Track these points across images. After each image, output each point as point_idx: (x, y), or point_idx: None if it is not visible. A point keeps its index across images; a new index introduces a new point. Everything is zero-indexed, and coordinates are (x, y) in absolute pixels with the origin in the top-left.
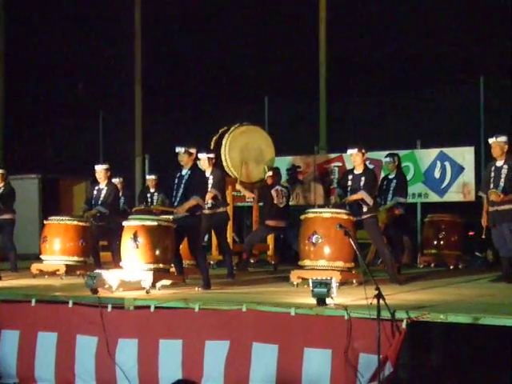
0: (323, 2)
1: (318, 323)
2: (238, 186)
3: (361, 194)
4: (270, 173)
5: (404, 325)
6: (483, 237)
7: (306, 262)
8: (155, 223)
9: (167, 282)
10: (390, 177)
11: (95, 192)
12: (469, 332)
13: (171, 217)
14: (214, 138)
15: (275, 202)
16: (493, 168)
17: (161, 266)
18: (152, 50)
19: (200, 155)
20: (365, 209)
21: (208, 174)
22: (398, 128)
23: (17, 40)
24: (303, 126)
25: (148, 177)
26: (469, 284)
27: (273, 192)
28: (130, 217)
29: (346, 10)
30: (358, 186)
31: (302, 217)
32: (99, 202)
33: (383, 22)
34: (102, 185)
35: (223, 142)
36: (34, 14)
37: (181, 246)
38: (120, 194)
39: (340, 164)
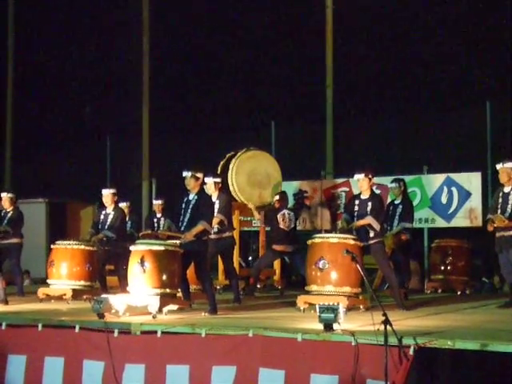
0: (330, 26)
1: (324, 349)
2: (250, 205)
3: (368, 220)
4: (277, 197)
5: (411, 351)
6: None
7: (313, 287)
8: (162, 248)
9: (174, 306)
10: (396, 202)
11: (102, 216)
12: (477, 359)
13: (178, 241)
14: (221, 163)
15: (281, 226)
16: (500, 194)
17: (168, 290)
18: (159, 74)
19: (206, 179)
20: (372, 234)
21: (214, 198)
22: (405, 153)
23: (24, 65)
24: (310, 151)
25: (155, 201)
26: (476, 310)
27: (279, 216)
28: (137, 241)
29: (353, 34)
30: (364, 212)
31: (309, 242)
32: (106, 227)
33: (390, 47)
34: (109, 209)
35: (230, 167)
36: (40, 40)
37: (187, 271)
38: (127, 218)
39: (347, 189)
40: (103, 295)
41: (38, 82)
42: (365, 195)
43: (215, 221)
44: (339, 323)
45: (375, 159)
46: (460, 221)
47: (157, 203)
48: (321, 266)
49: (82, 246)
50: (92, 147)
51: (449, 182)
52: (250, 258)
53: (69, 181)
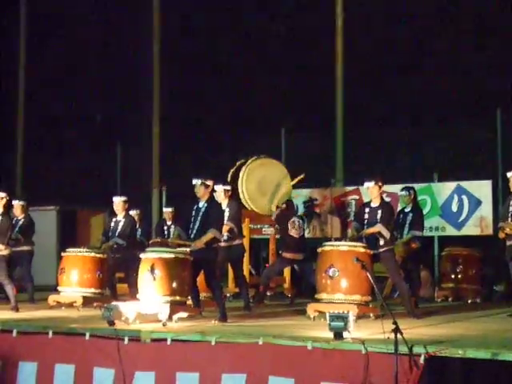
0: (340, 36)
1: (334, 357)
2: (273, 207)
3: (378, 227)
4: (284, 206)
5: (422, 360)
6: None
7: (323, 296)
8: (172, 256)
9: (184, 314)
10: (406, 210)
11: (112, 224)
12: (488, 367)
13: (188, 249)
14: (231, 171)
15: (291, 233)
16: (511, 202)
17: (178, 298)
18: (170, 82)
19: (216, 187)
20: (381, 242)
21: (224, 206)
22: (415, 161)
23: (36, 72)
24: (320, 159)
25: (165, 209)
26: (487, 318)
27: (289, 224)
28: (147, 249)
29: (363, 43)
30: (374, 219)
31: (319, 250)
32: (116, 234)
33: (399, 56)
34: (120, 217)
35: (240, 175)
36: (51, 46)
37: (197, 279)
38: (137, 226)
39: (357, 197)
40: (113, 303)
41: (49, 89)
42: (375, 203)
43: (225, 229)
44: (349, 331)
45: (385, 167)
46: (470, 229)
47: (167, 211)
48: (331, 274)
49: (93, 254)
50: (103, 155)
51: (459, 190)
52: (261, 266)
53: (79, 188)
